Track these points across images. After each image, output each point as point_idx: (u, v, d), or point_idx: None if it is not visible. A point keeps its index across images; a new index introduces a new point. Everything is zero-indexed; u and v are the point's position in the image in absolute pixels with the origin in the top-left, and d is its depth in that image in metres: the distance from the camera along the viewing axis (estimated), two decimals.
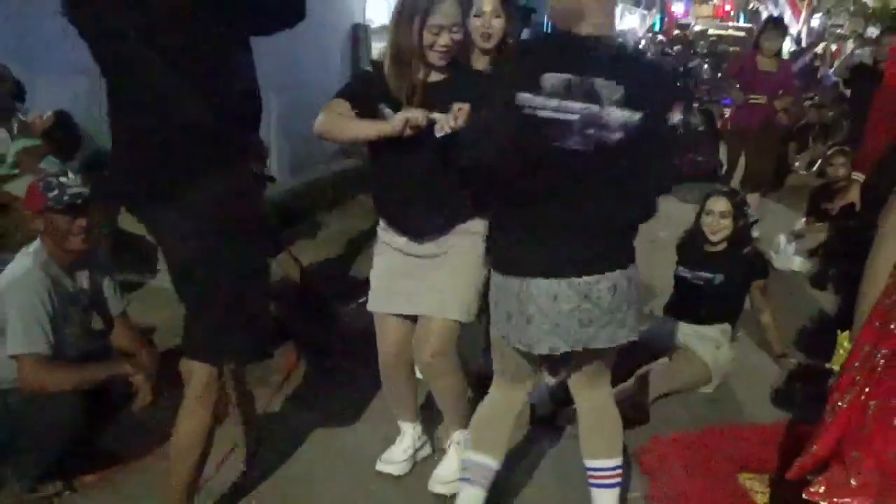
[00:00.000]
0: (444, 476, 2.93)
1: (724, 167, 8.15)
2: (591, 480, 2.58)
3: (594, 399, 2.58)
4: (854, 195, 4.58)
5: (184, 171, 2.18)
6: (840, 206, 4.94)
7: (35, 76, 5.17)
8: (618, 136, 2.11)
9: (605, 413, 2.59)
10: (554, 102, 2.09)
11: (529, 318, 2.27)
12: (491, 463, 2.57)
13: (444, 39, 2.52)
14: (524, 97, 2.11)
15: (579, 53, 2.15)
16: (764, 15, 21.38)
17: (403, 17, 2.55)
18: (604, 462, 2.55)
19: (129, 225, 5.03)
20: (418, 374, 3.01)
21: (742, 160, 7.28)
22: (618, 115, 2.10)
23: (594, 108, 2.08)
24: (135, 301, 4.60)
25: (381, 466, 3.07)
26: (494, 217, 2.50)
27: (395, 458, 3.07)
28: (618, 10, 22.26)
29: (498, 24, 3.01)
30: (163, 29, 2.03)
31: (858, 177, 4.55)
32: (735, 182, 7.19)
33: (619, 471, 2.57)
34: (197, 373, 2.38)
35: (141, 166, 2.26)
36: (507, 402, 2.63)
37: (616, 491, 2.57)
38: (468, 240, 2.74)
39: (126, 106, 2.24)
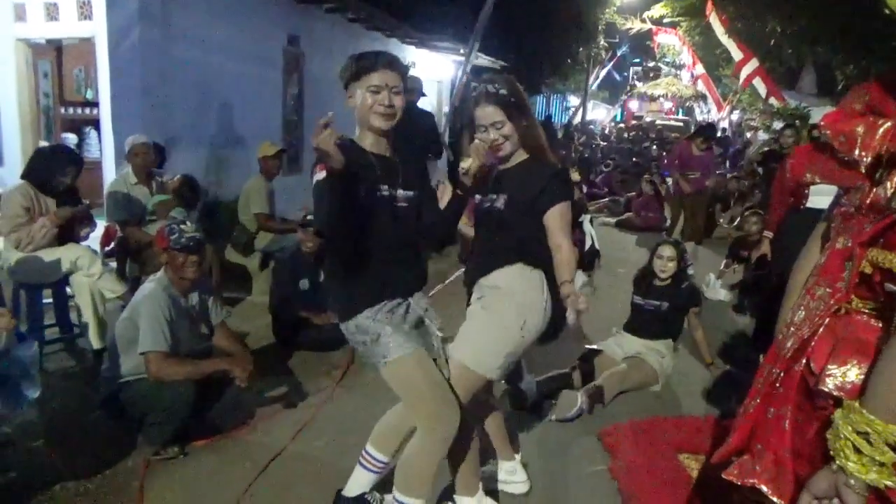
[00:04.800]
0: None
1: (668, 222, 8.13)
2: None
3: None
4: (766, 248, 4.54)
5: None
6: (756, 257, 4.89)
7: (174, 147, 5.29)
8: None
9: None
10: None
11: None
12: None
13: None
14: None
15: None
16: (696, 111, 21.38)
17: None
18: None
19: (232, 257, 5.12)
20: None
21: (681, 218, 7.29)
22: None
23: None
24: (235, 313, 4.67)
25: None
26: None
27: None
28: (589, 105, 22.45)
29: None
30: None
31: (769, 234, 4.52)
32: (675, 234, 7.18)
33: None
34: None
35: None
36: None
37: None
38: (497, 295, 2.19)
39: None
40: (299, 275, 4.22)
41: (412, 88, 6.00)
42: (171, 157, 5.18)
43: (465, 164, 2.09)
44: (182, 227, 2.89)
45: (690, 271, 4.27)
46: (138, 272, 4.33)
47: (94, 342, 3.70)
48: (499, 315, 2.16)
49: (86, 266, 3.67)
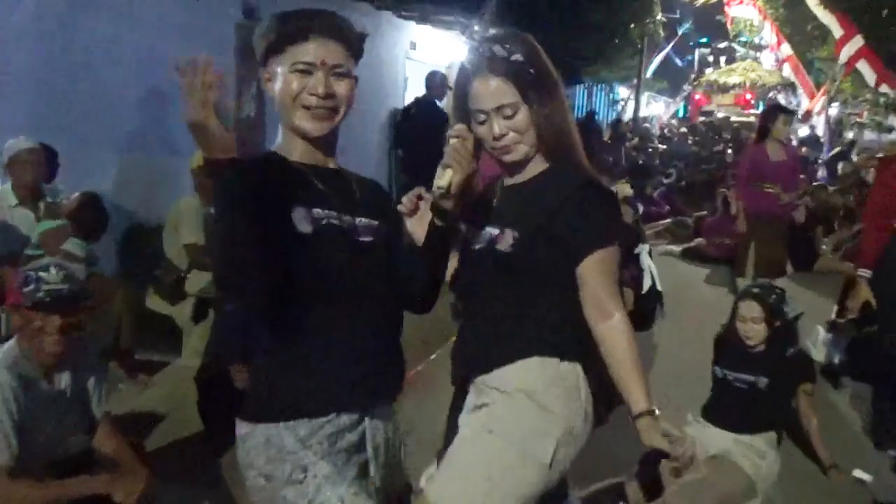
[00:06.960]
0: None
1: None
2: None
3: None
4: (866, 293, 4.02)
5: None
6: (859, 308, 4.33)
7: (78, 155, 4.98)
8: None
9: None
10: None
11: None
12: None
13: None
14: None
15: None
16: (783, 103, 21.15)
17: None
18: None
19: (154, 305, 4.76)
20: None
21: (751, 248, 6.47)
22: None
23: None
24: (156, 383, 4.38)
25: None
26: None
27: None
28: (643, 98, 22.41)
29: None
30: None
31: (864, 273, 4.01)
32: (748, 271, 6.39)
33: None
34: None
35: None
36: None
37: None
38: (512, 406, 1.77)
39: None
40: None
41: (432, 85, 6.79)
42: (74, 168, 4.87)
43: (442, 179, 1.61)
44: (42, 273, 2.50)
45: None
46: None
47: None
48: (515, 441, 1.72)
49: None
